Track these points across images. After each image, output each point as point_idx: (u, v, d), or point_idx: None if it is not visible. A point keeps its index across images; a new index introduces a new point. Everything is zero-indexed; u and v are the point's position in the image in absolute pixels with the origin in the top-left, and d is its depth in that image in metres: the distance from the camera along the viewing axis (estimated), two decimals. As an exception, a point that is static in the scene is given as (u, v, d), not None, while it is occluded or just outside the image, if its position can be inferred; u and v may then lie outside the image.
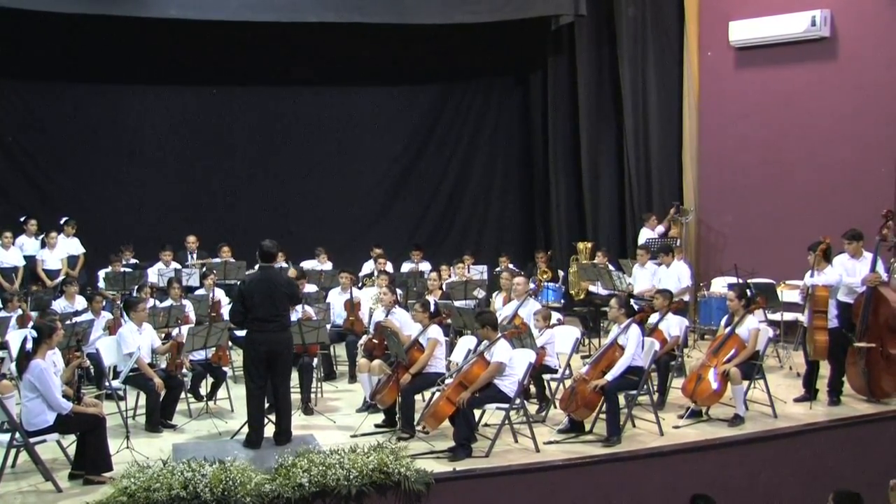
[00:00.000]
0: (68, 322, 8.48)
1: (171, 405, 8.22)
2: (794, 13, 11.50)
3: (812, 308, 8.64)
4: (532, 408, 8.37)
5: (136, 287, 10.57)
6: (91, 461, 6.72)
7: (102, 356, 8.20)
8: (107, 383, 8.22)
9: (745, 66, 12.27)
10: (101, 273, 11.49)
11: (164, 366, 8.32)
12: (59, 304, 10.00)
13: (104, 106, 13.32)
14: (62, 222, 12.13)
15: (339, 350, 10.32)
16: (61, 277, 11.51)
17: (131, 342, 8.06)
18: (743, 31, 12.04)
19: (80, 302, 10.10)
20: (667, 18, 13.18)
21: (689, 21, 12.81)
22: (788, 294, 10.33)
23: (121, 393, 8.20)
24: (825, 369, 8.90)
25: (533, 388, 8.64)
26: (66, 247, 12.04)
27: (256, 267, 8.01)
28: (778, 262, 11.02)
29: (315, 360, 8.93)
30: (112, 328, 9.08)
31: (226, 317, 9.67)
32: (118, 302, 10.02)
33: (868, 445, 8.24)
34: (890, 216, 8.81)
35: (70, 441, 6.95)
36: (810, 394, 8.80)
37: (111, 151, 13.34)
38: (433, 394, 8.04)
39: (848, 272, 8.71)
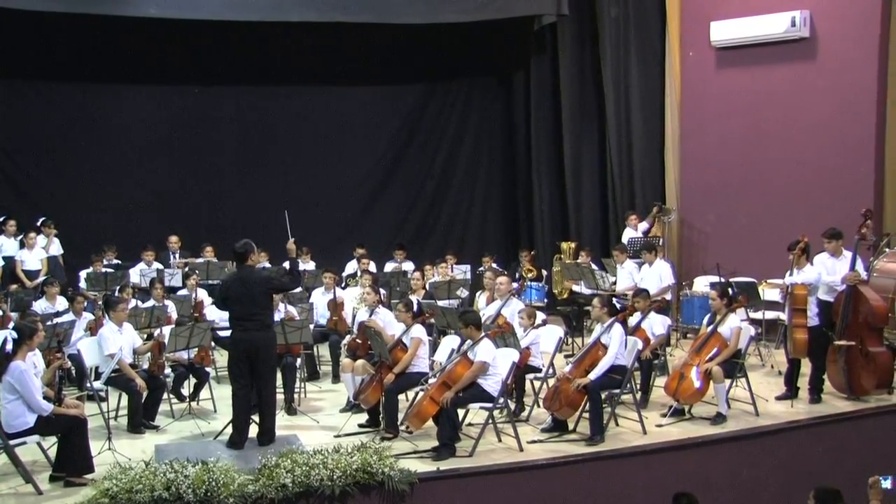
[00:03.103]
0: (49, 323, 8.43)
1: (154, 406, 8.20)
2: (774, 14, 11.58)
3: (791, 306, 8.71)
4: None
5: (118, 287, 10.50)
6: (72, 463, 6.67)
7: (84, 357, 8.13)
8: (88, 384, 8.15)
9: (726, 66, 12.34)
10: (83, 273, 11.39)
11: (146, 366, 8.27)
12: (40, 305, 9.91)
13: (84, 105, 13.19)
14: (39, 223, 12.00)
15: (323, 350, 10.31)
16: (41, 278, 11.41)
17: (112, 342, 7.99)
18: (724, 31, 12.10)
19: (62, 302, 10.02)
20: (649, 19, 13.21)
21: (670, 21, 12.86)
22: (770, 293, 10.43)
23: (102, 394, 8.11)
24: (806, 367, 8.97)
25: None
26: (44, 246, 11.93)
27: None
28: (759, 260, 11.09)
29: (298, 361, 8.91)
30: (93, 329, 9.01)
31: (208, 317, 9.65)
32: (100, 302, 9.95)
33: (848, 442, 8.32)
34: (869, 215, 8.91)
35: (51, 443, 6.89)
36: (791, 392, 8.87)
37: (92, 151, 13.20)
38: (417, 393, 8.05)
39: (828, 271, 8.79)
